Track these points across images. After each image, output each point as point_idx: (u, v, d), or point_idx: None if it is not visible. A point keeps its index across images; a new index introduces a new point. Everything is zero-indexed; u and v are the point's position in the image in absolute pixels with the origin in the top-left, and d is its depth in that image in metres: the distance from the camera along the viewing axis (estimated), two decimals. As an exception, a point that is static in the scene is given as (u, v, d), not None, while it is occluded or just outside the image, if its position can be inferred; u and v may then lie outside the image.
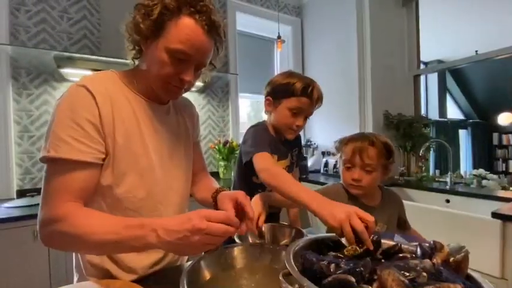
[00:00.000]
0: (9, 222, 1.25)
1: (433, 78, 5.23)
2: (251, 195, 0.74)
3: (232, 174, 1.27)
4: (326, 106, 2.71)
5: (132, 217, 0.65)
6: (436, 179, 2.04)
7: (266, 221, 0.90)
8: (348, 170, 0.92)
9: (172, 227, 0.49)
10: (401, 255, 0.48)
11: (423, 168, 2.17)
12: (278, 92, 1.01)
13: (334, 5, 2.46)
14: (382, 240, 0.53)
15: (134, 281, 0.65)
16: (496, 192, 1.64)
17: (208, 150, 2.38)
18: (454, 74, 5.56)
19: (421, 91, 2.57)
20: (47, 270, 1.32)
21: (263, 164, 0.86)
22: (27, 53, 1.54)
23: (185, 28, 0.60)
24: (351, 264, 0.41)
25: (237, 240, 0.79)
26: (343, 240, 0.55)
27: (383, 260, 0.47)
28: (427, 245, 0.47)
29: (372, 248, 0.51)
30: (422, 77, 2.63)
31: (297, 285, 0.39)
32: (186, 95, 0.79)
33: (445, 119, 5.28)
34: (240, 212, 0.64)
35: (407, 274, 0.37)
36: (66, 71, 1.66)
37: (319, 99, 1.02)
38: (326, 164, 2.41)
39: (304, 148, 2.69)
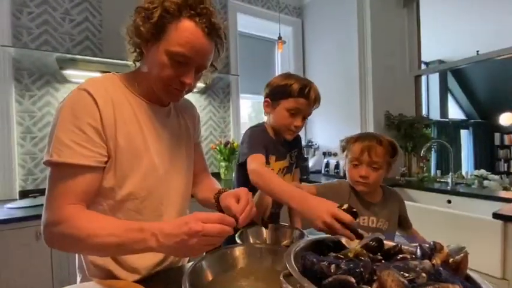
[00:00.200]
0: (11, 223, 1.26)
1: (435, 78, 5.22)
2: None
3: (233, 175, 1.30)
4: (327, 107, 2.72)
5: (133, 218, 0.66)
6: (438, 180, 2.04)
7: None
8: (355, 167, 0.95)
9: (170, 231, 0.51)
10: (401, 256, 0.48)
11: (424, 168, 2.17)
12: (276, 93, 1.03)
13: (335, 6, 2.47)
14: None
15: (137, 282, 0.66)
16: (498, 192, 1.64)
17: (210, 151, 2.39)
18: (456, 74, 5.55)
19: (422, 91, 2.57)
20: (50, 270, 1.33)
21: (254, 165, 0.89)
22: (29, 54, 1.55)
23: (185, 31, 0.60)
24: (351, 265, 0.41)
25: (238, 240, 0.79)
26: (343, 240, 0.56)
27: (383, 261, 0.47)
28: (427, 245, 0.47)
29: (366, 234, 0.55)
30: (423, 77, 2.63)
31: (298, 285, 0.39)
32: (187, 96, 0.79)
33: (447, 119, 5.26)
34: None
35: (407, 275, 0.37)
36: (68, 72, 1.67)
37: (317, 100, 1.02)
38: (327, 165, 2.41)
39: (305, 149, 2.69)
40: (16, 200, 1.61)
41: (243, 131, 1.95)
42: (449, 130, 5.11)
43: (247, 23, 2.61)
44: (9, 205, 1.45)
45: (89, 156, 0.58)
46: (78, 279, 0.72)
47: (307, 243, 0.54)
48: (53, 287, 1.33)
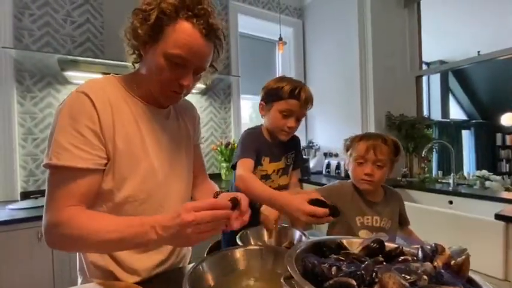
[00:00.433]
0: (13, 224, 1.26)
1: (436, 78, 5.21)
2: None
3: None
4: (328, 107, 2.72)
5: None
6: (439, 180, 2.03)
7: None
8: (359, 166, 0.97)
9: (165, 223, 0.51)
10: (402, 257, 0.48)
11: (426, 169, 2.17)
12: (269, 96, 1.07)
13: (336, 7, 2.47)
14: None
15: (137, 283, 0.66)
16: (500, 193, 1.63)
17: (211, 152, 2.39)
18: (457, 75, 5.54)
19: (423, 92, 2.56)
20: (51, 271, 1.33)
21: (240, 171, 0.96)
22: (31, 56, 1.55)
23: (182, 33, 0.59)
24: (352, 267, 0.41)
25: (239, 242, 0.79)
26: (345, 242, 0.56)
27: (384, 263, 0.47)
28: (429, 247, 0.47)
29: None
30: (424, 78, 2.62)
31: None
32: (188, 97, 0.79)
33: (448, 120, 5.25)
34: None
35: (408, 277, 0.37)
36: (69, 74, 1.68)
37: (308, 101, 1.04)
38: (328, 165, 2.40)
39: (306, 149, 2.69)
40: (17, 201, 1.61)
41: (243, 132, 1.93)
42: (450, 130, 5.10)
43: (248, 24, 2.62)
44: (10, 206, 1.46)
45: (88, 159, 0.59)
46: (79, 280, 0.72)
47: (308, 245, 0.54)
48: (54, 287, 1.33)
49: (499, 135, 5.62)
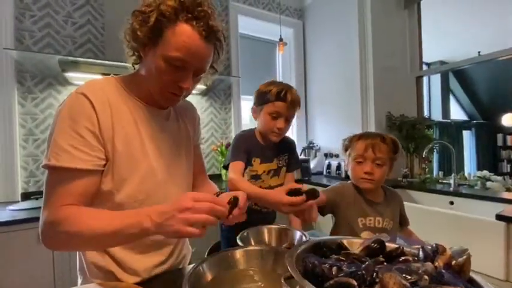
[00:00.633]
0: (14, 225, 1.26)
1: (436, 79, 5.22)
2: None
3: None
4: (328, 108, 2.73)
5: None
6: (440, 181, 2.02)
7: (263, 222, 0.95)
8: (359, 165, 0.96)
9: (163, 209, 0.52)
10: (403, 258, 0.48)
11: (426, 169, 2.16)
12: (259, 99, 1.14)
13: (336, 7, 2.47)
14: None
15: (137, 284, 0.66)
16: (501, 194, 1.63)
17: (211, 153, 2.39)
18: (457, 75, 5.54)
19: (423, 92, 2.56)
20: (52, 272, 1.33)
21: (231, 174, 1.04)
22: (32, 57, 1.56)
23: (182, 35, 0.59)
24: (353, 267, 0.41)
25: (239, 243, 0.79)
26: (345, 242, 0.55)
27: (385, 263, 0.47)
28: (429, 247, 0.47)
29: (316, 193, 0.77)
30: (425, 78, 2.62)
31: (298, 288, 0.39)
32: (188, 97, 0.79)
33: (449, 120, 5.25)
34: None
35: (409, 277, 0.37)
36: (70, 74, 1.68)
37: (295, 102, 1.09)
38: (329, 166, 2.40)
39: (306, 150, 2.69)
40: (18, 201, 1.61)
41: (244, 133, 1.93)
42: (451, 131, 5.10)
43: (248, 25, 2.62)
44: (11, 207, 1.46)
45: (87, 160, 0.59)
46: (79, 280, 0.72)
47: (308, 246, 0.53)
48: (55, 288, 1.33)
49: (499, 136, 5.61)
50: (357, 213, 0.95)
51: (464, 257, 0.42)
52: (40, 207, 0.61)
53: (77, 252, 0.72)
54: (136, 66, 0.71)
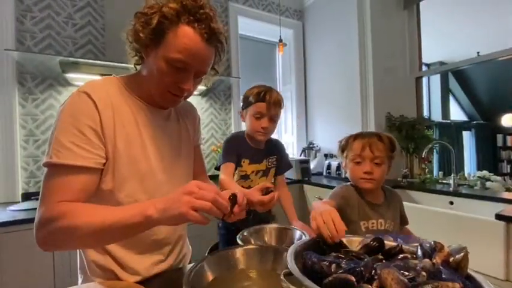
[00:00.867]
0: (14, 225, 1.26)
1: (436, 80, 5.22)
2: None
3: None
4: (328, 109, 2.73)
5: None
6: (440, 181, 2.02)
7: (261, 221, 0.98)
8: (357, 165, 0.95)
9: (169, 196, 0.52)
10: (402, 255, 0.48)
11: (426, 170, 2.17)
12: (244, 103, 1.22)
13: (335, 8, 2.48)
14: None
15: (138, 283, 0.66)
16: (500, 194, 1.63)
17: (211, 153, 2.39)
18: (457, 76, 5.55)
19: (423, 93, 2.57)
20: (52, 272, 1.33)
21: (222, 175, 1.13)
22: (33, 58, 1.56)
23: (183, 37, 0.60)
24: (352, 264, 0.41)
25: (239, 242, 0.79)
26: (344, 240, 0.56)
27: (384, 260, 0.47)
28: (428, 245, 0.47)
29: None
30: (424, 79, 2.63)
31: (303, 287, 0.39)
32: (189, 98, 0.79)
33: (448, 121, 5.25)
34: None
35: (407, 273, 0.37)
36: (71, 75, 1.68)
37: (276, 102, 1.15)
38: (329, 166, 2.40)
39: (306, 150, 2.69)
40: (19, 202, 1.62)
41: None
42: (451, 131, 5.10)
43: (248, 26, 2.63)
44: (11, 207, 1.46)
45: (88, 157, 0.59)
46: (80, 280, 0.72)
47: (307, 243, 0.54)
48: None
49: (499, 136, 5.61)
50: (360, 216, 0.93)
51: (462, 254, 0.42)
52: (40, 208, 0.60)
53: (78, 251, 0.73)
54: (138, 67, 0.72)
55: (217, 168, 1.17)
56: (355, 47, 2.29)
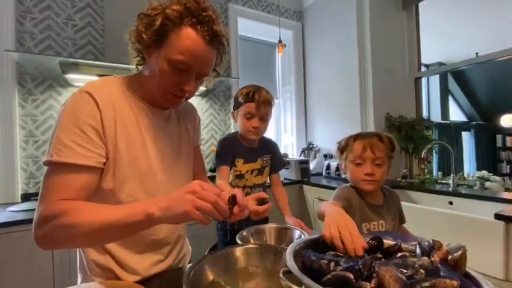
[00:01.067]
0: (13, 226, 1.26)
1: (435, 80, 5.23)
2: None
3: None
4: (328, 109, 2.73)
5: None
6: (439, 181, 2.03)
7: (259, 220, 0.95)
8: (358, 166, 0.94)
9: (172, 195, 0.52)
10: (400, 254, 0.49)
11: (426, 170, 2.17)
12: (235, 104, 1.23)
13: (335, 9, 2.49)
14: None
15: (137, 282, 0.66)
16: (500, 194, 1.63)
17: (211, 154, 2.39)
18: (456, 76, 5.56)
19: (422, 93, 2.57)
20: (51, 273, 1.33)
21: (217, 179, 1.17)
22: (32, 59, 1.56)
23: (186, 39, 0.60)
24: (351, 262, 0.41)
25: (238, 241, 0.79)
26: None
27: (382, 259, 0.47)
28: (426, 244, 0.48)
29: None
30: (423, 79, 2.63)
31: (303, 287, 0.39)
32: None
33: (448, 121, 5.25)
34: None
35: (405, 271, 0.37)
36: (70, 76, 1.69)
37: (265, 101, 1.15)
38: (328, 167, 2.41)
39: (306, 151, 2.69)
40: (18, 203, 1.62)
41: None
42: (450, 132, 5.10)
43: (247, 27, 2.63)
44: (11, 208, 1.46)
45: (90, 156, 0.59)
46: (79, 279, 0.72)
47: (307, 242, 0.54)
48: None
49: (499, 137, 5.61)
50: (362, 218, 0.92)
51: (460, 252, 0.42)
52: (40, 209, 0.59)
53: (78, 251, 0.73)
54: (140, 67, 0.72)
55: (213, 170, 1.19)
56: (354, 47, 2.30)
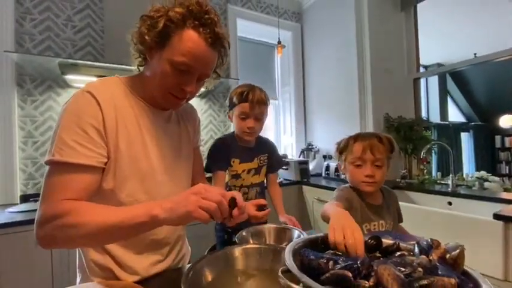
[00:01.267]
0: (12, 227, 1.26)
1: (434, 81, 5.25)
2: None
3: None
4: (327, 110, 2.74)
5: None
6: (438, 182, 2.03)
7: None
8: (358, 168, 0.93)
9: (177, 197, 0.53)
10: (399, 253, 0.49)
11: (425, 170, 2.17)
12: (229, 105, 1.21)
13: (334, 11, 2.50)
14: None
15: (136, 282, 0.66)
16: (498, 194, 1.63)
17: (210, 155, 2.39)
18: (455, 77, 5.57)
19: (421, 94, 2.58)
20: (50, 273, 1.33)
21: (214, 185, 1.15)
22: (32, 60, 1.57)
23: (188, 41, 0.61)
24: (349, 261, 0.41)
25: (237, 241, 0.79)
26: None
27: (381, 258, 0.47)
28: (425, 243, 0.48)
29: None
30: (422, 81, 2.64)
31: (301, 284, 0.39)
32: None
33: (447, 122, 5.27)
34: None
35: (403, 269, 0.37)
36: (70, 77, 1.69)
37: (259, 101, 1.14)
38: (327, 168, 2.41)
39: (305, 152, 2.69)
40: (17, 204, 1.61)
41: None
42: (449, 133, 5.12)
43: (247, 28, 2.64)
44: (10, 209, 1.46)
45: (92, 156, 0.59)
46: (78, 279, 0.72)
47: (305, 242, 0.54)
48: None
49: (498, 137, 5.63)
50: (362, 219, 0.92)
51: (458, 250, 0.43)
52: (39, 209, 0.59)
53: (77, 250, 0.73)
54: (141, 68, 0.73)
55: (206, 170, 1.16)
56: (353, 48, 2.31)
